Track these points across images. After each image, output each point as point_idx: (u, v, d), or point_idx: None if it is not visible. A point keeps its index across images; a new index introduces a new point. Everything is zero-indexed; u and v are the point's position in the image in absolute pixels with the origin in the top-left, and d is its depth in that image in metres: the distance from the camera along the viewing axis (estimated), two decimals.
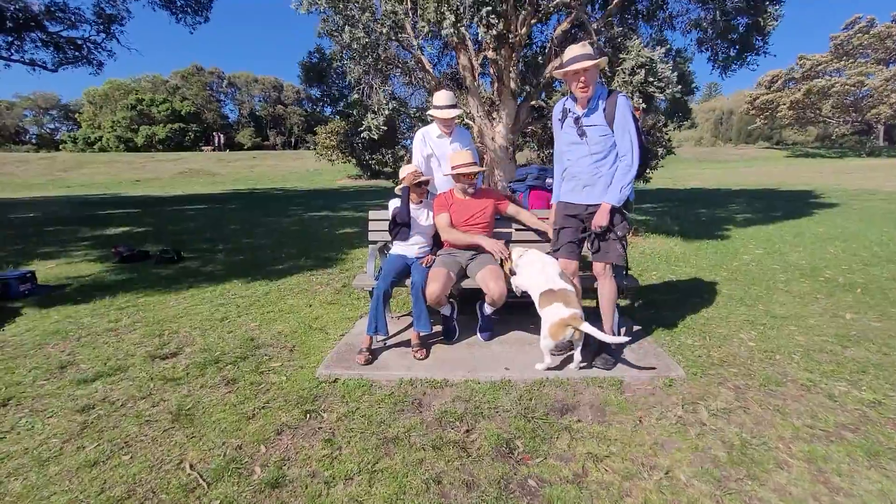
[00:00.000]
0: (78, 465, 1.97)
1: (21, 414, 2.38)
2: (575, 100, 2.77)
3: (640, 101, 5.09)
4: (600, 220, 2.71)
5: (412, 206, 3.22)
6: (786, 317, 3.63)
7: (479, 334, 3.23)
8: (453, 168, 3.22)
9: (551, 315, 2.65)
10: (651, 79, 5.07)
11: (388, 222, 3.27)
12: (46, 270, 5.51)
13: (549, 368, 2.74)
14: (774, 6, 5.93)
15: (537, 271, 2.85)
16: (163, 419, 2.31)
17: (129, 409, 2.42)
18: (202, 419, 2.30)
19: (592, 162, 2.74)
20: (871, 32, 39.34)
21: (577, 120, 2.73)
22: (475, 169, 3.20)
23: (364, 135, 6.32)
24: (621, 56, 5.29)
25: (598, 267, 2.86)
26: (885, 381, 2.59)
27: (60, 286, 4.84)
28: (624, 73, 5.19)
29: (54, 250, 6.82)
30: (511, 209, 3.37)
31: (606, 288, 2.87)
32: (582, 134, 2.72)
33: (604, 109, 2.64)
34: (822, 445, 2.04)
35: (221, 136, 51.22)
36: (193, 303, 4.22)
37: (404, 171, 3.24)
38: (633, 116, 2.67)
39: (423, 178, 3.22)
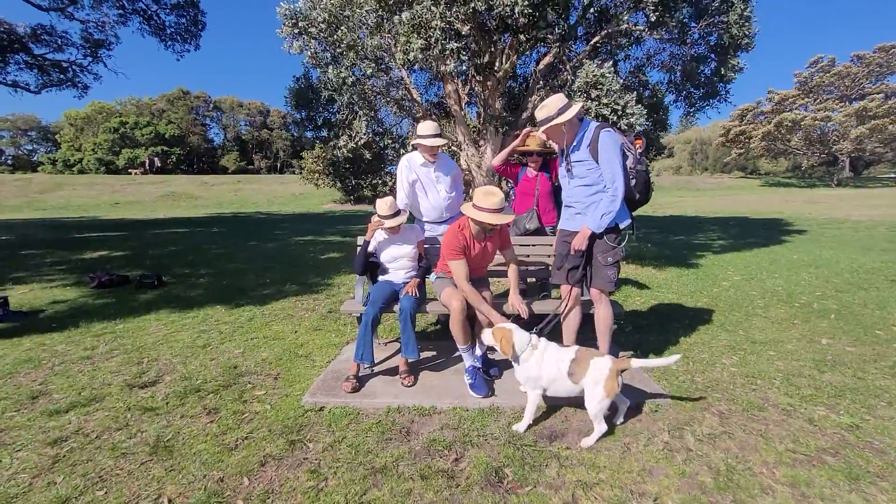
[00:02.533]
0: (48, 501, 1.88)
1: None
2: None
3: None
4: (577, 243, 2.79)
5: (389, 237, 3.23)
6: (765, 342, 3.72)
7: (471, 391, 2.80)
8: (478, 210, 2.77)
9: (598, 370, 2.29)
10: (605, 101, 5.09)
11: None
12: (20, 296, 5.33)
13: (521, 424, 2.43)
14: (736, 58, 6.35)
15: (552, 355, 2.45)
16: (140, 451, 2.23)
17: (105, 441, 2.33)
18: (182, 451, 2.23)
19: (584, 192, 2.82)
20: (832, 71, 41.86)
21: (565, 156, 2.85)
22: (504, 220, 2.80)
23: (337, 153, 6.43)
24: (576, 78, 5.42)
25: (594, 293, 2.96)
26: (861, 405, 2.66)
27: (34, 312, 4.68)
28: (575, 93, 5.33)
29: (28, 275, 6.61)
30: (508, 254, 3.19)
31: (602, 312, 2.95)
32: (569, 169, 2.84)
33: (588, 145, 2.72)
34: (804, 470, 2.08)
35: (155, 159, 50.51)
36: (174, 329, 4.12)
37: (380, 208, 3.11)
38: (626, 147, 2.75)
39: (388, 226, 3.11)
